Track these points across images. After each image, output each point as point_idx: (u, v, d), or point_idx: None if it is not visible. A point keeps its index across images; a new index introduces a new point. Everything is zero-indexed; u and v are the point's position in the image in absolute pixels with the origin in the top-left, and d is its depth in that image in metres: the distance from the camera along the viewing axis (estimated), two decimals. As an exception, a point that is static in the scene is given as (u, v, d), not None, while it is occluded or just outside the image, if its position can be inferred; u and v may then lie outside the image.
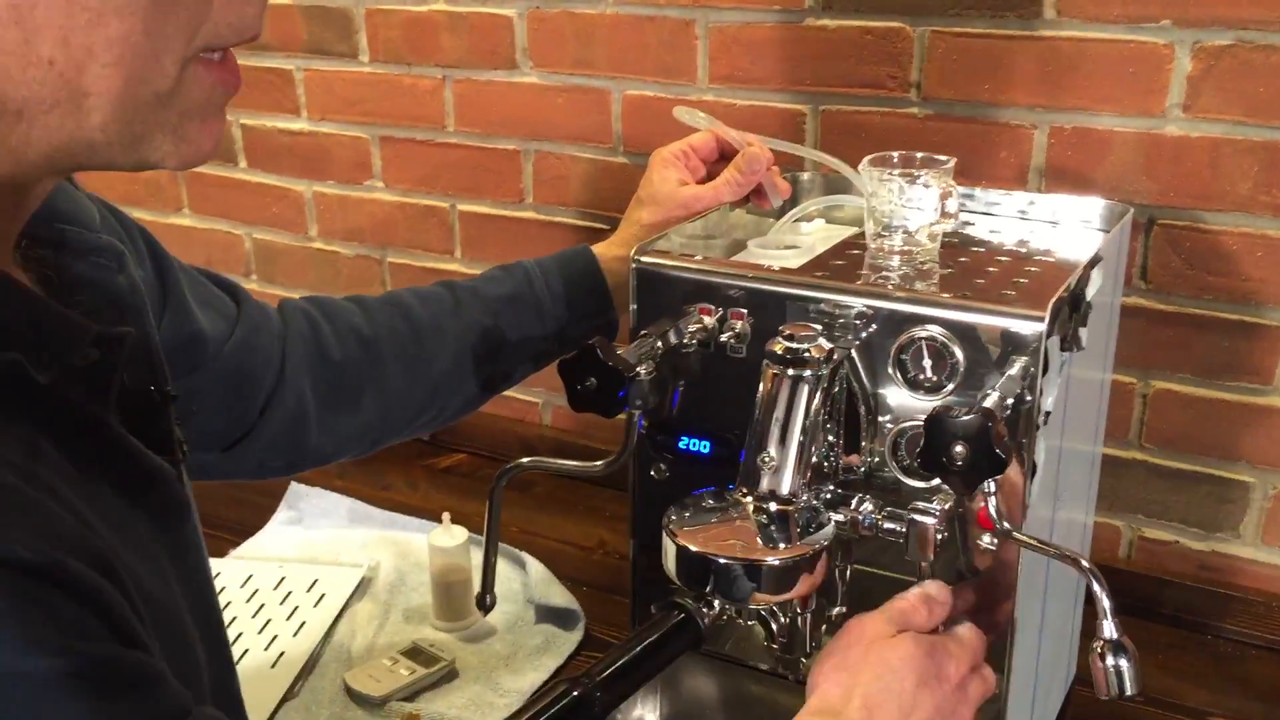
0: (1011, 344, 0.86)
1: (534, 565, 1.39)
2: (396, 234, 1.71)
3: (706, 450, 0.99)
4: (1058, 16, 1.21)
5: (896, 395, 0.91)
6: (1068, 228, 1.11)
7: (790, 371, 0.87)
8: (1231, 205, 1.19)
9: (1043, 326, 0.84)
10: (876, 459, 0.93)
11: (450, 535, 1.30)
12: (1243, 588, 1.28)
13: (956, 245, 1.06)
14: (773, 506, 0.85)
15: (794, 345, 0.87)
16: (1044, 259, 1.02)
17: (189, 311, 0.88)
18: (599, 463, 1.00)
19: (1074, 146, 1.24)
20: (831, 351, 0.88)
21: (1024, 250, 1.05)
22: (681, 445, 1.00)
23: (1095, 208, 1.11)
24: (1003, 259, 1.02)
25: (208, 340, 0.90)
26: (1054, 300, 0.86)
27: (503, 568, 1.40)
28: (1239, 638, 1.27)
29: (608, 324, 1.08)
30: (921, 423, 0.89)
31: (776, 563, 0.82)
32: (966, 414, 0.79)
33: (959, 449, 0.79)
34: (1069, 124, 1.24)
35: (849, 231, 1.17)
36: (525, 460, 1.00)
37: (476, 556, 1.31)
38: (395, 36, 1.60)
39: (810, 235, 1.16)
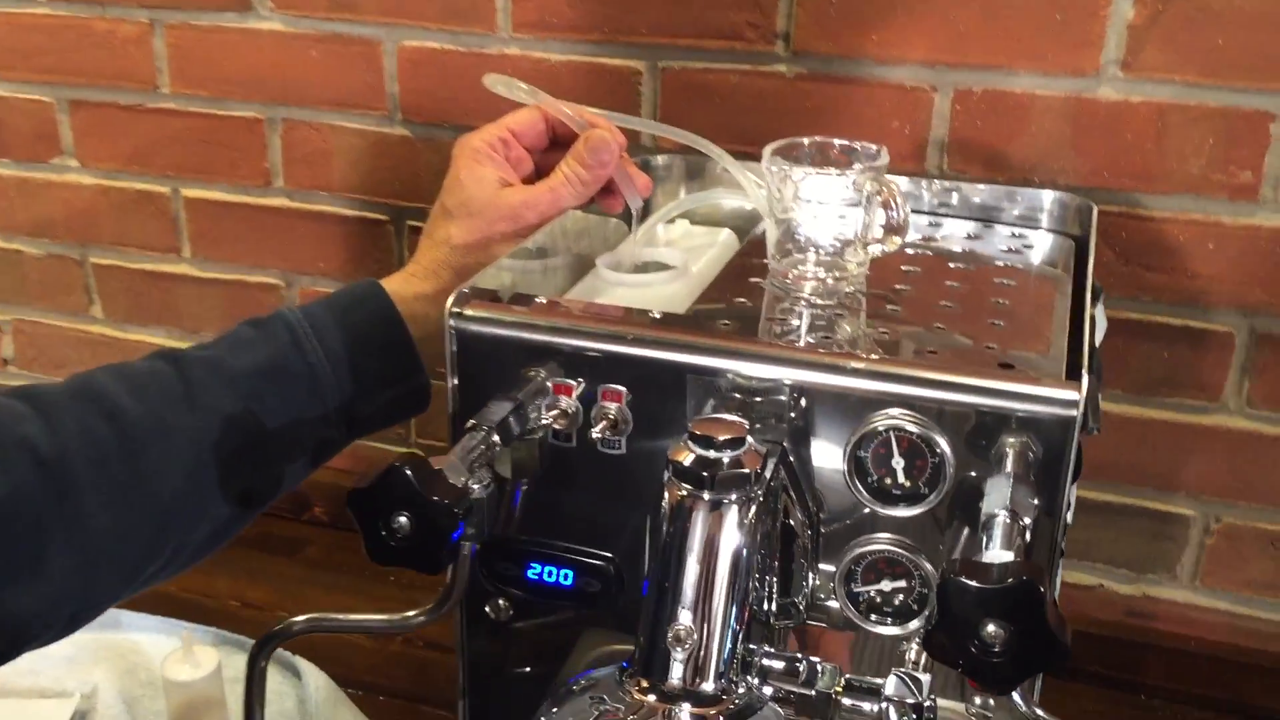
0: (1024, 434, 0.59)
1: (312, 675, 1.06)
2: (101, 227, 1.31)
3: (569, 582, 0.69)
4: (965, -52, 0.95)
5: (849, 504, 0.63)
6: (1006, 227, 0.86)
7: (708, 495, 0.57)
8: (1179, 186, 0.96)
9: (1076, 413, 0.58)
10: (816, 580, 0.65)
11: (193, 663, 0.95)
12: (1179, 637, 1.09)
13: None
14: (690, 713, 0.56)
15: (713, 455, 0.57)
16: (1004, 281, 0.76)
17: None
18: (411, 613, 0.68)
19: (984, 114, 0.99)
20: (766, 457, 0.59)
21: (970, 266, 0.79)
22: (531, 575, 0.69)
23: (1043, 201, 0.87)
24: (952, 284, 0.75)
25: None
26: (1085, 369, 0.59)
27: (270, 682, 1.06)
28: (1177, 697, 1.08)
29: (415, 392, 0.76)
30: (887, 547, 0.62)
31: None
32: (997, 574, 0.51)
33: (993, 629, 0.51)
34: (978, 86, 0.98)
35: (720, 234, 0.88)
36: (298, 620, 0.67)
37: (233, 667, 0.98)
38: (80, -35, 1.19)
39: (675, 246, 0.86)
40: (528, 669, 0.73)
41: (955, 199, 0.88)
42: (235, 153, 1.22)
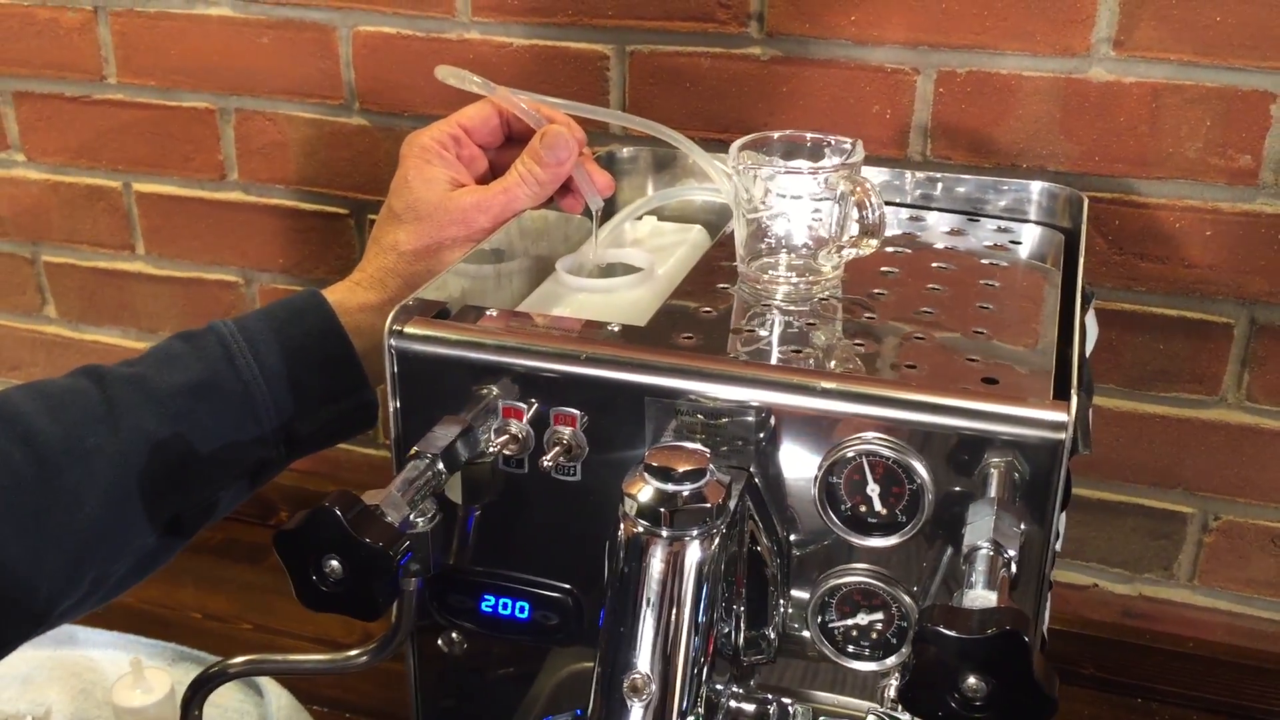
0: (1009, 458, 0.54)
1: (274, 693, 1.01)
2: (51, 223, 1.26)
3: (525, 615, 0.64)
4: (946, -79, 0.89)
5: (822, 533, 0.58)
6: (992, 219, 0.81)
7: (666, 532, 0.53)
8: (1175, 171, 0.91)
9: (1064, 436, 0.53)
10: (788, 609, 0.61)
11: (144, 688, 0.91)
12: (1176, 638, 1.05)
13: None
14: (654, 768, 0.51)
15: (671, 488, 0.52)
16: (990, 283, 0.71)
17: None
18: (354, 651, 0.63)
19: (969, 97, 0.94)
20: (730, 486, 0.54)
21: (953, 266, 0.74)
22: (485, 608, 0.65)
23: (1031, 192, 0.82)
24: (934, 287, 0.70)
25: None
26: (1074, 386, 0.55)
27: (228, 699, 1.02)
28: (1174, 700, 1.04)
29: (359, 409, 0.71)
30: (862, 579, 0.58)
31: None
32: (978, 623, 0.47)
33: (974, 682, 0.47)
34: (962, 67, 0.93)
35: (690, 232, 0.83)
36: (236, 661, 0.63)
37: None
38: (20, -50, 1.14)
39: (642, 245, 0.81)
40: (487, 701, 0.69)
41: (938, 189, 0.83)
42: (187, 145, 1.17)
